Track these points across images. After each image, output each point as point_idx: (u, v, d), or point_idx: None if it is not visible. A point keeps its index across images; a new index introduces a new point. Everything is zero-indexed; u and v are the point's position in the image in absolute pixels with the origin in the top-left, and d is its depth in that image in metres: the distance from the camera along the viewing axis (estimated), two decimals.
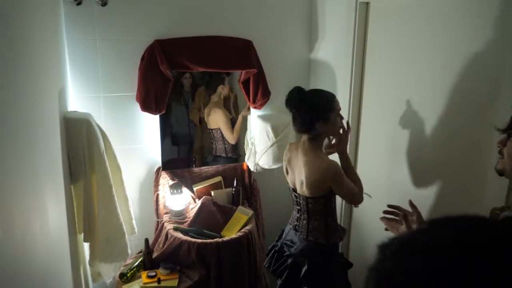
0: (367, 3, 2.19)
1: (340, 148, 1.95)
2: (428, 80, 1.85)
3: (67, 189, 1.74)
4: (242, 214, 2.47)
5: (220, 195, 2.61)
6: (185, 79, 2.54)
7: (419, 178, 1.98)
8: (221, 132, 2.67)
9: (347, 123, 1.99)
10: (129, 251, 2.10)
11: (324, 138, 1.90)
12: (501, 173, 1.25)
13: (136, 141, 2.47)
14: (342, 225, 2.45)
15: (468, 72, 1.66)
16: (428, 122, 1.89)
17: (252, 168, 2.66)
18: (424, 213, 1.93)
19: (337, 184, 1.82)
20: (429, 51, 1.83)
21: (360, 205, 2.36)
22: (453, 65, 1.72)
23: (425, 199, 1.94)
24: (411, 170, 2.03)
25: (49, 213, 1.33)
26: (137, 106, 2.37)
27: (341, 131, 1.93)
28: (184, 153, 2.68)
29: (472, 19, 1.62)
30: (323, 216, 1.91)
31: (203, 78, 2.59)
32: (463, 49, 1.66)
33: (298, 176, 1.91)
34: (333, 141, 2.02)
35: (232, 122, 2.69)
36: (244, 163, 2.71)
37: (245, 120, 2.69)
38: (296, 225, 1.99)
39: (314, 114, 1.81)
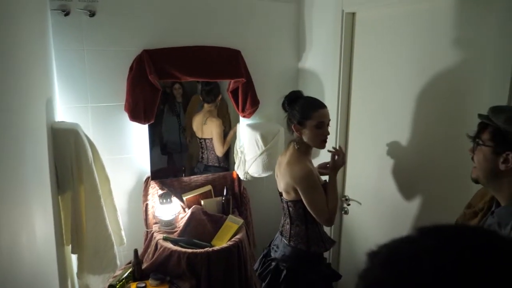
0: (353, 14, 2.23)
1: (331, 166, 1.97)
2: (412, 88, 1.89)
3: (54, 200, 1.72)
4: (232, 223, 2.47)
5: (210, 204, 2.61)
6: (175, 90, 2.54)
7: (406, 184, 2.00)
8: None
9: (339, 147, 2.01)
10: (118, 262, 2.07)
11: (310, 148, 1.91)
12: (476, 181, 1.28)
13: (125, 151, 2.46)
14: (332, 233, 2.46)
15: (450, 80, 1.70)
16: (413, 129, 1.92)
17: (242, 177, 2.66)
18: (411, 218, 1.96)
19: (302, 189, 1.82)
20: (414, 59, 1.86)
21: (350, 212, 2.38)
22: (436, 73, 1.76)
23: (412, 205, 1.96)
24: (398, 177, 2.05)
25: (36, 225, 1.32)
26: (126, 116, 2.36)
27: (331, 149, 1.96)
28: (173, 163, 2.67)
29: (453, 29, 1.66)
30: (304, 222, 1.92)
31: (205, 89, 2.59)
32: (446, 57, 1.70)
33: (280, 178, 1.95)
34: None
35: (224, 134, 2.69)
36: (234, 171, 2.71)
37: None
38: (281, 230, 2.03)
39: (293, 117, 1.88)
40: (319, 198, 1.84)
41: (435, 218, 1.53)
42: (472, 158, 1.27)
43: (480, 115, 1.25)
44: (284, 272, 1.92)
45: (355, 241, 2.43)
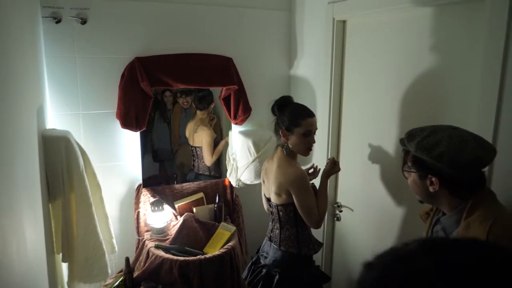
0: (344, 21, 2.26)
1: (327, 171, 2.01)
2: (402, 94, 1.91)
3: (45, 208, 1.70)
4: (225, 230, 2.46)
5: (202, 212, 2.60)
6: (166, 97, 2.54)
7: (398, 190, 2.01)
8: None
9: (333, 158, 2.06)
10: (109, 270, 2.05)
11: (296, 153, 1.94)
12: (421, 201, 1.33)
13: (116, 159, 2.45)
14: (325, 240, 2.47)
15: (440, 85, 1.72)
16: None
17: (234, 184, 2.66)
18: (404, 224, 1.97)
19: (296, 191, 1.85)
20: (404, 65, 1.89)
21: (342, 219, 2.40)
22: (426, 78, 1.78)
23: (404, 210, 1.98)
24: (389, 183, 2.07)
25: (26, 233, 1.30)
26: (117, 123, 2.35)
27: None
28: (165, 170, 2.66)
29: (441, 35, 1.69)
30: (295, 225, 1.94)
31: (197, 96, 2.60)
32: (436, 62, 1.73)
33: (271, 183, 1.96)
34: (311, 171, 2.16)
35: (215, 142, 2.69)
36: (226, 179, 2.71)
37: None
38: (270, 236, 2.03)
39: (282, 122, 1.91)
40: (311, 201, 1.87)
41: (424, 223, 1.54)
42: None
43: (401, 140, 1.30)
44: (277, 277, 1.92)
45: (348, 247, 2.43)
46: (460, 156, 1.11)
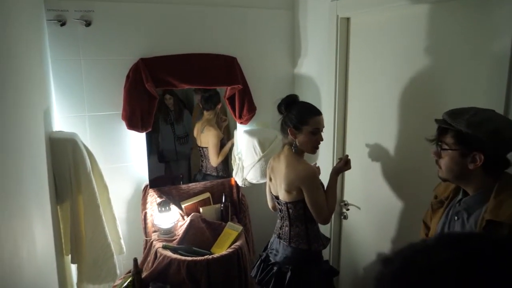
0: (348, 19, 2.25)
1: (338, 168, 2.03)
2: (409, 91, 1.90)
3: (53, 210, 1.71)
4: (232, 230, 2.46)
5: (209, 212, 2.60)
6: (166, 100, 2.55)
7: (405, 188, 2.01)
8: None
9: (346, 156, 2.06)
10: (118, 271, 2.06)
11: (303, 152, 1.95)
12: (444, 180, 1.35)
13: (122, 160, 2.46)
14: (332, 238, 2.47)
15: (451, 82, 1.71)
16: (412, 133, 1.93)
17: (240, 183, 2.66)
18: (411, 221, 1.97)
19: (307, 188, 1.87)
20: (410, 62, 1.88)
21: (349, 217, 2.39)
22: (434, 75, 1.77)
23: (411, 207, 1.97)
24: (396, 180, 2.06)
25: (36, 235, 1.31)
26: (123, 125, 2.36)
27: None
28: (171, 170, 2.66)
29: (447, 31, 1.69)
30: (304, 222, 1.95)
31: (204, 96, 2.61)
32: (444, 58, 1.72)
33: (279, 180, 1.97)
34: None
35: (222, 143, 2.69)
36: (232, 178, 2.71)
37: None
38: (279, 233, 2.04)
39: (290, 121, 1.91)
40: (322, 197, 1.89)
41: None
42: (437, 161, 1.33)
43: (437, 120, 1.31)
44: (289, 273, 1.93)
45: (355, 246, 2.43)
46: (510, 132, 1.16)
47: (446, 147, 1.28)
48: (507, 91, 1.40)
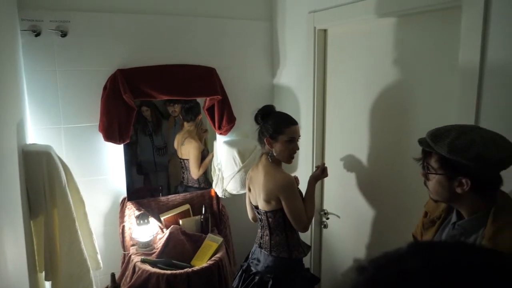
0: (325, 30, 2.29)
1: (315, 176, 2.07)
2: (385, 99, 1.94)
3: (26, 225, 1.66)
4: (212, 242, 2.44)
5: (189, 224, 2.57)
6: (143, 112, 2.52)
7: (383, 196, 2.03)
8: None
9: (323, 164, 2.11)
10: (95, 287, 2.00)
11: (280, 161, 1.97)
12: (436, 201, 1.30)
13: (99, 172, 2.41)
14: (313, 247, 2.47)
15: (422, 90, 1.75)
16: (388, 142, 1.97)
17: (220, 194, 2.64)
18: (391, 229, 1.99)
19: (286, 197, 1.88)
20: (381, 74, 1.92)
21: (329, 225, 2.40)
22: (407, 84, 1.81)
23: (390, 215, 1.99)
24: (374, 188, 2.08)
25: (7, 252, 1.26)
26: (100, 137, 2.32)
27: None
28: (150, 182, 2.62)
29: (417, 42, 1.73)
30: (284, 230, 1.96)
31: (184, 108, 2.58)
32: (415, 68, 1.76)
33: (258, 190, 1.98)
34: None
35: (203, 155, 2.67)
36: (212, 189, 2.69)
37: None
38: (260, 243, 2.05)
39: (266, 131, 1.94)
40: (300, 205, 1.91)
41: (412, 226, 1.56)
42: (425, 183, 1.28)
43: (420, 142, 1.25)
44: (271, 282, 1.93)
45: (336, 253, 2.44)
46: (495, 155, 1.10)
47: (432, 170, 1.23)
48: (478, 98, 1.44)
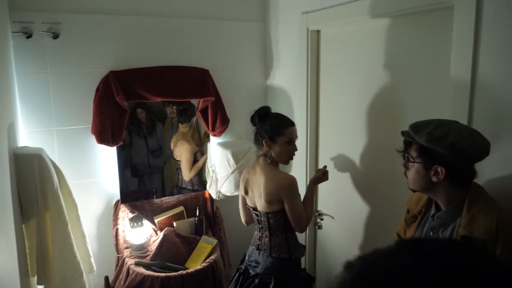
0: (318, 31, 2.29)
1: (315, 179, 2.07)
2: (378, 100, 1.95)
3: (18, 229, 1.64)
4: (206, 244, 2.43)
5: (183, 226, 2.56)
6: (138, 114, 2.50)
7: (377, 196, 2.04)
8: None
9: (325, 167, 2.11)
10: None
11: (278, 162, 1.97)
12: (413, 190, 1.38)
13: (92, 175, 2.39)
14: (307, 248, 2.47)
15: (415, 90, 1.76)
16: (382, 141, 1.97)
17: (214, 196, 2.63)
18: (384, 229, 1.99)
19: (289, 197, 1.89)
20: (374, 74, 1.93)
21: (324, 226, 2.41)
22: (400, 84, 1.82)
23: (384, 215, 2.00)
24: (369, 189, 2.09)
25: None
26: (93, 139, 2.30)
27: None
28: (144, 185, 2.61)
29: (410, 42, 1.74)
30: (284, 231, 1.96)
31: (178, 109, 2.57)
32: (408, 69, 1.77)
33: (257, 192, 1.97)
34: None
35: (197, 157, 2.66)
36: (206, 191, 2.68)
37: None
38: (258, 245, 2.03)
39: (264, 132, 1.93)
40: (301, 206, 1.93)
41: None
42: (405, 173, 1.36)
43: (403, 133, 1.33)
44: (272, 283, 1.93)
45: (330, 253, 2.44)
46: (470, 146, 1.17)
47: (411, 159, 1.31)
48: (470, 97, 1.45)
